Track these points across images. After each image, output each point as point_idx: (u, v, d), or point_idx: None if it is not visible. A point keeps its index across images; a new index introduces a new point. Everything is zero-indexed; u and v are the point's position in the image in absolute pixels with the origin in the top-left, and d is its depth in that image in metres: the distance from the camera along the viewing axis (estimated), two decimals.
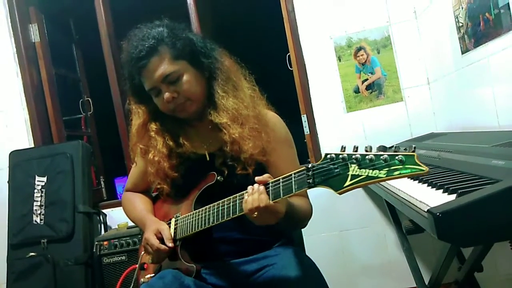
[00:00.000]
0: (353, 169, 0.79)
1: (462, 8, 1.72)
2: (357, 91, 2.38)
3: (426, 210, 0.86)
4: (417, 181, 1.19)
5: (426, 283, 1.95)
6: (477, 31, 1.63)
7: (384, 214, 2.35)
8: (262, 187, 0.99)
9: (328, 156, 0.85)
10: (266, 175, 1.03)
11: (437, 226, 0.80)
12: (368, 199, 2.38)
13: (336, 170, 0.82)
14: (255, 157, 1.18)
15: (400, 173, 0.73)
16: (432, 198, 0.95)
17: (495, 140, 1.23)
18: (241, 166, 1.19)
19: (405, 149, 0.75)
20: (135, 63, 1.17)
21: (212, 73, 1.23)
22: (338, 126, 2.39)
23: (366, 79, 2.38)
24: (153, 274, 1.23)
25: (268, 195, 0.98)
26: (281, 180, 0.96)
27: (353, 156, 0.79)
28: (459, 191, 0.89)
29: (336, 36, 2.38)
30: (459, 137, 1.73)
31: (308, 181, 0.88)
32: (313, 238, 2.32)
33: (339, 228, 2.41)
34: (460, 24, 1.77)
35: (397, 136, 2.28)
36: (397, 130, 2.33)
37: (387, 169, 0.74)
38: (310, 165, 0.89)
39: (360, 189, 2.30)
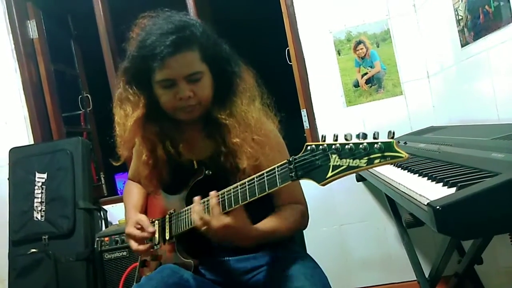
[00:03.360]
0: (334, 159, 0.78)
1: (462, 1, 1.72)
2: (356, 85, 2.38)
3: (426, 203, 0.86)
4: (417, 174, 1.19)
5: (427, 276, 1.95)
6: (476, 24, 1.63)
7: (384, 208, 2.35)
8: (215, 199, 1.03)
9: (309, 147, 0.83)
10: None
11: (437, 220, 0.80)
12: (368, 193, 2.38)
13: (317, 162, 0.81)
14: (250, 170, 1.12)
15: (380, 161, 0.73)
16: (432, 191, 0.95)
17: (494, 133, 1.23)
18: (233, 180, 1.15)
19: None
20: (162, 49, 1.06)
21: (230, 82, 1.19)
22: (338, 121, 2.39)
23: (366, 73, 2.37)
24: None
25: (246, 192, 0.99)
26: (265, 174, 0.95)
27: (333, 147, 0.78)
28: (459, 184, 0.89)
29: (335, 30, 2.38)
30: (459, 131, 1.73)
31: (290, 174, 0.87)
32: (313, 233, 2.32)
33: (339, 222, 2.41)
34: (460, 17, 1.76)
35: (397, 130, 2.24)
36: (397, 124, 2.33)
37: (367, 158, 0.74)
38: (291, 158, 0.88)
39: (360, 183, 2.31)
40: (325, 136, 0.83)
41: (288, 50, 2.49)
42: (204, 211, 1.06)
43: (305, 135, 2.53)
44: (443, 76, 2.12)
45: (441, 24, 1.99)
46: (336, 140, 0.79)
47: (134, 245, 1.23)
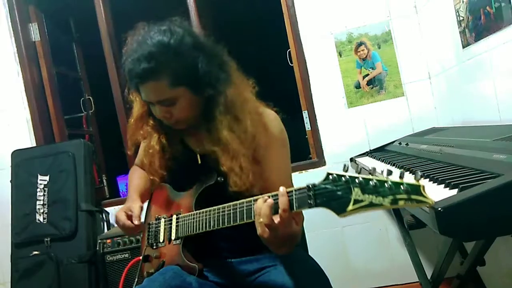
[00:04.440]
0: (356, 193, 0.76)
1: (463, 1, 1.72)
2: (358, 86, 2.38)
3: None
4: None
5: (429, 277, 1.95)
6: (478, 24, 1.63)
7: (386, 210, 2.35)
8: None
9: (331, 176, 0.82)
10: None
11: (439, 221, 0.80)
12: None
13: (338, 193, 0.80)
14: (245, 192, 1.13)
15: (405, 203, 0.71)
16: (433, 193, 0.95)
17: (496, 134, 1.23)
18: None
19: (413, 175, 0.72)
20: (133, 76, 1.13)
21: (213, 100, 1.19)
22: (340, 122, 2.39)
23: (367, 75, 2.37)
24: (153, 271, 1.24)
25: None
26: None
27: (356, 180, 0.76)
28: (461, 185, 0.89)
29: (336, 32, 2.38)
30: (461, 132, 1.72)
31: (309, 201, 0.85)
32: (315, 234, 2.33)
33: (341, 224, 2.41)
34: (461, 18, 1.76)
35: (399, 131, 2.28)
36: (398, 125, 2.32)
37: (391, 197, 0.72)
38: (311, 185, 0.85)
39: None
40: (347, 166, 0.82)
41: (289, 51, 2.50)
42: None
43: (306, 136, 2.53)
44: (444, 77, 2.12)
45: (442, 25, 1.99)
46: (360, 172, 0.78)
47: (120, 225, 1.28)
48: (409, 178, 0.72)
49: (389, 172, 0.74)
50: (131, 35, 1.20)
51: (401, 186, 0.71)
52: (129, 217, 1.25)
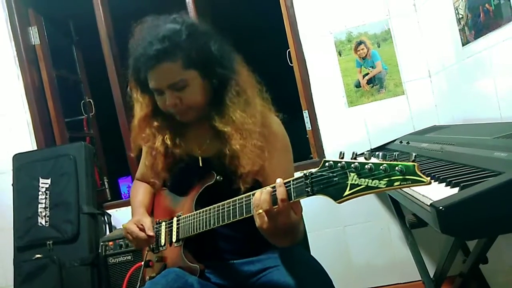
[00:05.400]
0: (352, 178, 0.78)
1: None
2: (358, 85, 2.37)
3: (429, 204, 0.86)
4: None
5: (431, 276, 1.95)
6: (477, 22, 1.63)
7: (388, 209, 2.35)
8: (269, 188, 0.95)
9: (327, 163, 0.83)
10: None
11: (440, 220, 0.80)
12: None
13: (335, 179, 0.81)
14: (252, 175, 1.15)
15: (400, 184, 0.72)
16: (434, 191, 0.95)
17: (497, 132, 1.23)
18: (238, 180, 1.17)
19: (406, 158, 0.73)
20: (144, 61, 1.13)
21: (224, 84, 1.19)
22: (340, 121, 2.39)
23: (367, 73, 2.37)
24: (154, 275, 1.24)
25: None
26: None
27: (352, 165, 0.78)
28: (462, 184, 0.89)
29: (336, 31, 2.38)
30: (461, 130, 1.72)
31: (306, 189, 0.86)
32: (317, 234, 2.33)
33: (343, 223, 2.41)
34: (460, 16, 1.76)
35: (399, 130, 2.28)
36: (399, 124, 2.32)
37: (387, 179, 0.73)
38: (308, 173, 0.86)
39: None
40: (343, 153, 0.82)
41: (289, 51, 2.50)
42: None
43: (307, 136, 2.52)
44: (444, 75, 2.12)
45: (442, 23, 1.98)
46: (355, 158, 0.79)
47: (132, 237, 1.28)
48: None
49: (384, 156, 0.75)
50: (139, 27, 1.21)
51: (396, 168, 0.72)
52: (141, 230, 1.26)
